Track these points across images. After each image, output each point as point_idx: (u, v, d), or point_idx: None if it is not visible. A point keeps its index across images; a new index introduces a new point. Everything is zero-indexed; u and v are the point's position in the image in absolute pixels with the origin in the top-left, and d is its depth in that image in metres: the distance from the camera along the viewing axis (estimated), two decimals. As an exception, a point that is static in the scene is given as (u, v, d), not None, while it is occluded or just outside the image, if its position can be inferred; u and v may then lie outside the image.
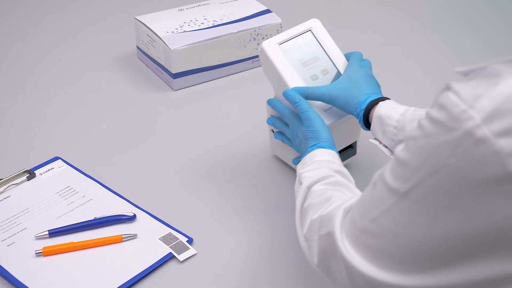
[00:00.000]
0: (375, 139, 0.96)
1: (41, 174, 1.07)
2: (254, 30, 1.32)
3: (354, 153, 1.08)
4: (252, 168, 1.10)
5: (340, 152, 1.05)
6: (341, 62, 1.01)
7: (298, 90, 0.96)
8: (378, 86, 0.98)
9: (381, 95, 0.96)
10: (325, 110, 0.98)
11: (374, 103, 0.94)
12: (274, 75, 0.99)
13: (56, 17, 1.54)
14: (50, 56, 1.40)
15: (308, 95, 0.96)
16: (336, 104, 0.96)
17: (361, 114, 0.94)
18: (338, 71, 1.00)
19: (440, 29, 1.54)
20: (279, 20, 1.35)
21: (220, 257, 0.95)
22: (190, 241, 0.96)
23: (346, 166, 1.06)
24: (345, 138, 1.04)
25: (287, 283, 0.92)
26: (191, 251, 0.94)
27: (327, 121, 0.97)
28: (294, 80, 0.98)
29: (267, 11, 1.37)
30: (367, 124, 0.95)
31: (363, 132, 1.09)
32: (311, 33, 1.02)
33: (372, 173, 0.98)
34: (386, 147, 0.94)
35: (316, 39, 1.02)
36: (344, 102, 0.96)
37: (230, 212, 1.02)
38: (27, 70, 1.35)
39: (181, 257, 0.93)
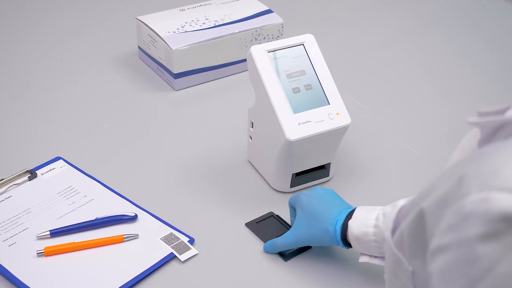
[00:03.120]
0: (363, 254, 0.87)
1: (42, 174, 1.07)
2: (256, 30, 1.32)
3: (327, 174, 1.06)
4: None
5: (311, 171, 1.04)
6: (326, 80, 1.01)
7: (270, 245, 0.93)
8: (336, 200, 0.91)
9: (342, 210, 0.88)
10: (299, 124, 0.97)
11: (345, 222, 0.86)
12: (257, 81, 0.99)
13: (57, 17, 1.53)
14: (51, 56, 1.39)
15: (278, 247, 0.93)
16: (312, 243, 0.91)
17: (340, 241, 0.87)
18: (322, 88, 1.00)
19: (441, 29, 1.54)
20: (280, 20, 1.34)
21: (222, 257, 0.94)
22: (191, 241, 0.96)
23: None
24: (319, 157, 1.03)
25: (289, 283, 0.91)
26: (193, 251, 0.94)
27: (302, 134, 0.96)
28: (275, 89, 0.97)
29: (268, 11, 1.36)
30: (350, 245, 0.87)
31: (340, 155, 1.09)
32: (303, 47, 1.02)
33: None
34: (377, 257, 0.86)
35: (307, 54, 1.01)
36: (316, 239, 0.89)
37: (232, 212, 1.02)
38: (29, 70, 1.35)
39: (183, 257, 0.93)
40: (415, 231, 0.57)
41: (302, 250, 0.95)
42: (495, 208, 0.47)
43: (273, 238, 0.96)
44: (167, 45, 1.25)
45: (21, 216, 0.99)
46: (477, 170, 0.50)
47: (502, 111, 0.56)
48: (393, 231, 0.62)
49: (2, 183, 1.03)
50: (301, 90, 0.99)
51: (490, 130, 0.56)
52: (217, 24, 1.31)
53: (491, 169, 0.49)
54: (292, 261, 0.94)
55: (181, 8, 1.36)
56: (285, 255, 0.94)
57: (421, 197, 0.57)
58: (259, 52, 0.99)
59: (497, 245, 0.47)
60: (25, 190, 1.04)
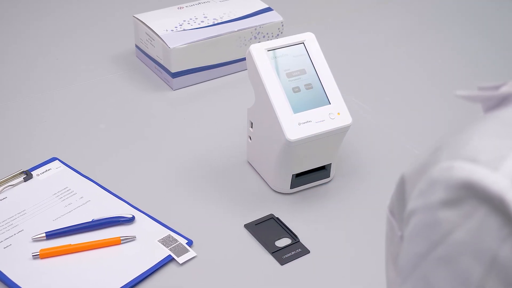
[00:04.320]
0: None
1: (38, 175, 1.07)
2: (255, 29, 1.32)
3: (328, 175, 1.06)
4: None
5: (312, 172, 1.04)
6: (327, 80, 1.01)
7: None
8: None
9: None
10: (299, 124, 0.98)
11: None
12: (256, 80, 0.99)
13: (53, 16, 1.53)
14: (47, 55, 1.39)
15: None
16: None
17: None
18: (323, 88, 1.00)
19: (443, 28, 1.54)
20: (280, 19, 1.34)
21: (221, 260, 0.94)
22: (189, 243, 0.96)
23: (318, 189, 1.06)
24: (319, 158, 1.03)
25: (287, 286, 0.91)
26: (191, 253, 0.94)
27: (303, 134, 0.97)
28: (275, 88, 0.98)
29: (268, 9, 1.36)
30: None
31: (341, 156, 1.09)
32: (303, 46, 1.02)
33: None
34: None
35: (307, 53, 1.01)
36: None
37: (231, 213, 1.02)
38: (24, 69, 1.35)
39: (181, 259, 0.93)
40: (398, 197, 0.60)
41: (300, 254, 0.95)
42: (457, 176, 0.49)
43: (272, 240, 0.96)
44: (165, 44, 1.25)
45: (16, 218, 0.99)
46: (452, 141, 0.52)
47: (497, 87, 0.58)
48: (391, 197, 0.65)
49: (-3, 184, 1.04)
50: (301, 89, 0.99)
51: (491, 105, 0.58)
52: (215, 22, 1.31)
53: (463, 140, 0.51)
54: (290, 265, 0.94)
55: (179, 6, 1.37)
56: (282, 259, 0.94)
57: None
58: (258, 51, 0.99)
59: (456, 212, 0.49)
60: (20, 191, 1.04)
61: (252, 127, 1.05)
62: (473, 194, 0.48)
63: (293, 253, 0.95)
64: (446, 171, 0.50)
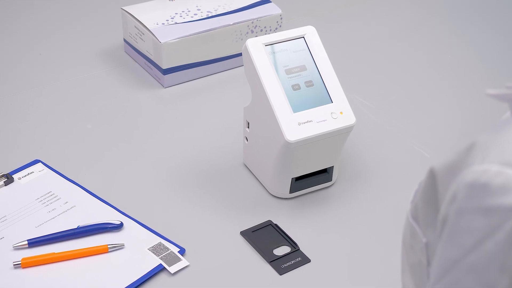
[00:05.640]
0: None
1: (19, 178, 1.07)
2: (252, 22, 1.32)
3: (329, 179, 1.07)
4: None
5: (312, 175, 1.04)
6: (329, 76, 1.01)
7: None
8: None
9: None
10: (299, 124, 0.97)
11: None
12: (253, 77, 1.00)
13: (36, 8, 1.53)
14: (29, 50, 1.39)
15: None
16: None
17: None
18: (325, 85, 1.00)
19: (453, 21, 1.54)
20: (279, 11, 1.34)
21: (215, 269, 0.95)
22: (182, 251, 0.96)
23: (319, 194, 1.06)
24: (320, 160, 1.03)
25: (287, 298, 0.92)
26: (183, 262, 0.94)
27: (303, 135, 0.96)
28: (273, 86, 0.98)
29: (266, 1, 1.36)
30: None
31: (343, 158, 1.09)
32: (303, 40, 1.02)
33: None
34: None
35: (308, 48, 1.02)
36: None
37: (226, 220, 1.02)
38: (4, 65, 1.35)
39: (172, 269, 0.93)
40: (428, 195, 0.60)
41: (300, 263, 0.95)
42: (492, 181, 0.49)
43: (270, 248, 0.96)
44: (155, 38, 1.25)
45: (-4, 225, 0.99)
46: (486, 141, 0.53)
47: None
48: (412, 202, 0.65)
49: (-25, 189, 1.03)
50: (302, 87, 0.99)
51: None
52: (210, 15, 1.31)
53: (499, 142, 0.52)
54: (289, 275, 0.94)
55: (171, -3, 1.37)
56: (281, 268, 0.94)
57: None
58: (255, 46, 0.99)
59: (487, 221, 0.50)
60: (0, 196, 1.04)
61: (248, 127, 1.05)
62: (507, 201, 0.48)
63: (292, 262, 0.95)
64: (481, 175, 0.50)
